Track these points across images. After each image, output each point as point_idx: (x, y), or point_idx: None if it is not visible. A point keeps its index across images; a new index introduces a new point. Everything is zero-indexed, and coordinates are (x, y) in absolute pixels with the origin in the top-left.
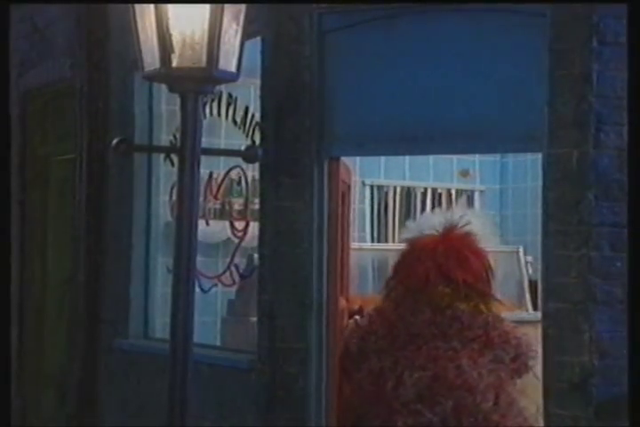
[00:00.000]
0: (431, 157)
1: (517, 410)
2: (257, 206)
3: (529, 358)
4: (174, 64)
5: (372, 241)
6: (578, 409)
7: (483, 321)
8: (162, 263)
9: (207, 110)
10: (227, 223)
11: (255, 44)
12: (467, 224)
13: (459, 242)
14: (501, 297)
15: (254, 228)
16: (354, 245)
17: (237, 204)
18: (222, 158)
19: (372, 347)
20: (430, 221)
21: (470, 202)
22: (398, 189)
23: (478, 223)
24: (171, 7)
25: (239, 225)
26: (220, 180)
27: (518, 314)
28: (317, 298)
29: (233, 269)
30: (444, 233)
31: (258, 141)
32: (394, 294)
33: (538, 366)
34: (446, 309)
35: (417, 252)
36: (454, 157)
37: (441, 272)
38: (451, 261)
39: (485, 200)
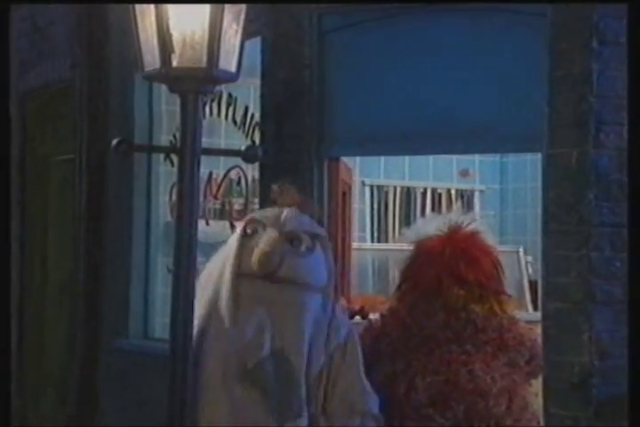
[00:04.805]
0: (431, 157)
1: (531, 414)
2: (257, 206)
3: (543, 359)
4: (174, 64)
5: (372, 241)
6: (578, 409)
7: (497, 324)
8: (162, 263)
9: (207, 110)
10: (227, 223)
11: (255, 44)
12: (471, 222)
13: (466, 242)
14: None
15: None
16: (354, 245)
17: (237, 204)
18: (222, 158)
19: (385, 349)
20: (433, 223)
21: (470, 202)
22: (398, 189)
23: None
24: (171, 7)
25: (239, 225)
26: (219, 180)
27: (518, 314)
28: None
29: None
30: (450, 234)
31: (258, 141)
32: (408, 298)
33: None
34: (461, 311)
35: (424, 255)
36: (454, 157)
37: (453, 275)
38: (460, 262)
39: (485, 200)
